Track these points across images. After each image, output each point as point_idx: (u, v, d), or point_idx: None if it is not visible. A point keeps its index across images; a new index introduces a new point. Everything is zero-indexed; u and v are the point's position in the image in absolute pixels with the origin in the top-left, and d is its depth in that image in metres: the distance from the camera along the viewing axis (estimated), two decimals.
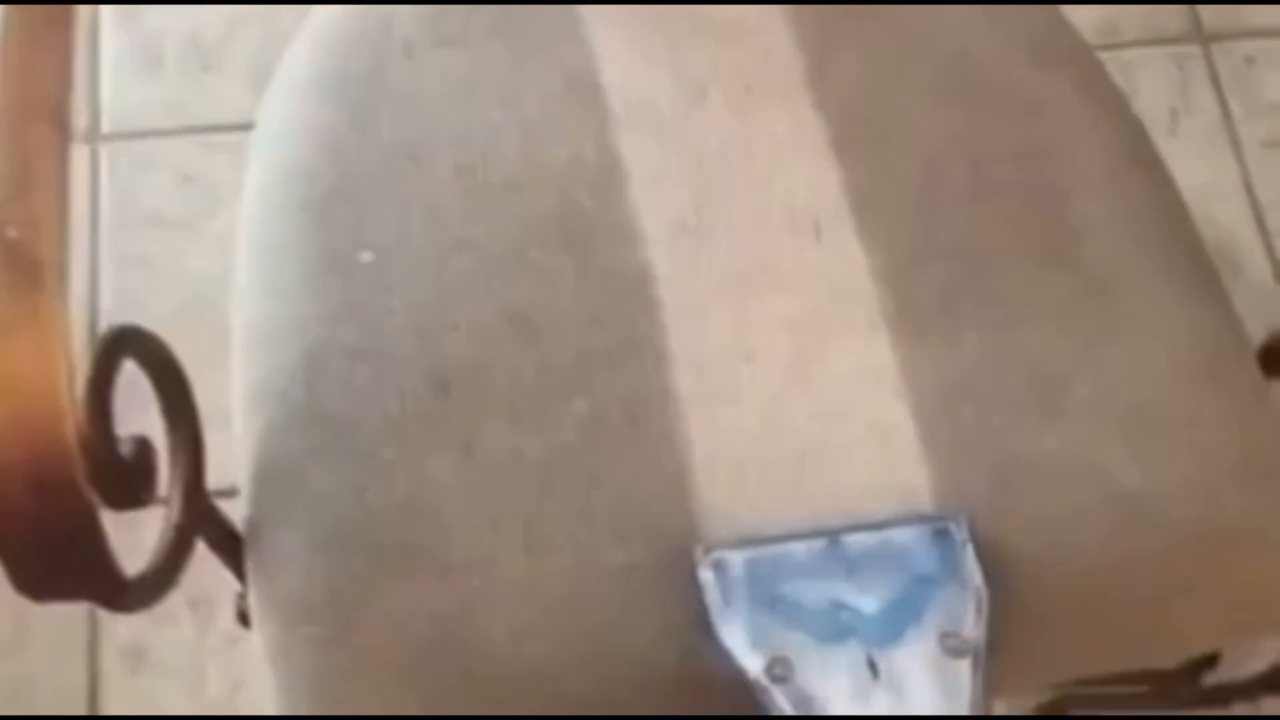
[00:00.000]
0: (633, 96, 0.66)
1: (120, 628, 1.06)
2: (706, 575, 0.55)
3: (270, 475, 0.60)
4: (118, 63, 1.22)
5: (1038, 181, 0.65)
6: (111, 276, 1.13)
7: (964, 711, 0.53)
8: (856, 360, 0.61)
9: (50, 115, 0.48)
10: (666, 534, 0.57)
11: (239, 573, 0.61)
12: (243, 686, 1.02)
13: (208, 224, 1.14)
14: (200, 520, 0.57)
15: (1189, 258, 0.65)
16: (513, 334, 0.61)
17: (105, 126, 1.20)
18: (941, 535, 0.56)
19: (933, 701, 0.53)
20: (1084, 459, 0.59)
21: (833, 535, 0.56)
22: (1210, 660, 0.78)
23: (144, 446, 0.52)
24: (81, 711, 1.03)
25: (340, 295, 0.62)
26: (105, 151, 1.19)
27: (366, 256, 0.63)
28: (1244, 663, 0.78)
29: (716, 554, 0.56)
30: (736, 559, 0.55)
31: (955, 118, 0.65)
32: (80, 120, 1.20)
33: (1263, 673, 0.75)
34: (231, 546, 0.61)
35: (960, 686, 0.54)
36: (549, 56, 0.68)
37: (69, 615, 1.06)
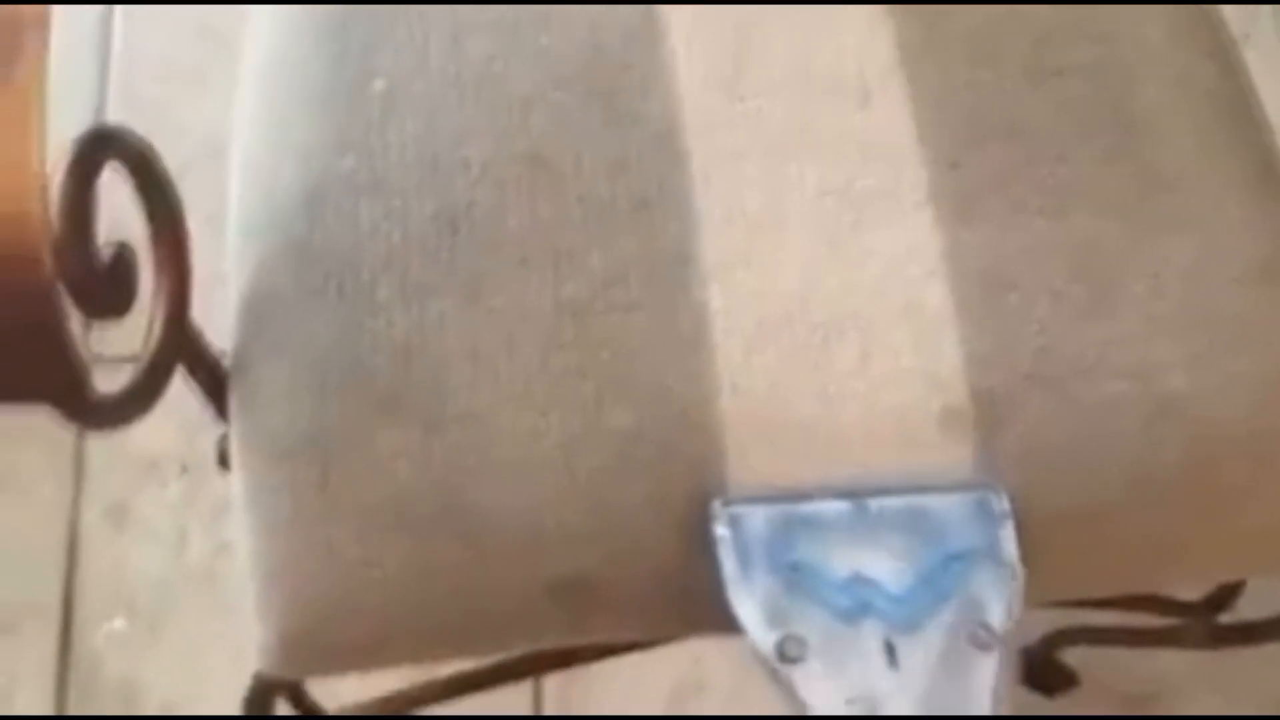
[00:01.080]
0: None
1: (105, 487, 1.04)
2: (723, 532, 0.51)
3: (261, 309, 0.56)
4: None
5: (1104, 65, 0.61)
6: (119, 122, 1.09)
7: (984, 711, 0.49)
8: (897, 236, 0.56)
9: None
10: (675, 399, 0.53)
11: (221, 410, 0.58)
12: (225, 551, 0.99)
13: (222, 77, 1.10)
14: (182, 345, 0.53)
15: (1257, 158, 0.61)
16: (530, 177, 0.56)
17: None
18: (981, 507, 0.52)
19: (951, 699, 0.49)
20: (1131, 356, 0.55)
21: (859, 497, 0.51)
22: (1229, 594, 0.74)
23: (123, 253, 0.49)
24: (60, 565, 1.00)
25: (348, 125, 0.58)
26: None
27: (379, 84, 0.59)
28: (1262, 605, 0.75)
29: (734, 509, 0.51)
30: (756, 515, 0.51)
31: None
32: None
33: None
34: (215, 383, 0.57)
35: (982, 683, 0.49)
36: None
37: (53, 469, 1.03)
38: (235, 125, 0.61)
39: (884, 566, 0.50)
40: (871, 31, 0.60)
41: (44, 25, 0.41)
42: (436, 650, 0.56)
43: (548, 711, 0.98)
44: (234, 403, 0.56)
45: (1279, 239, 0.58)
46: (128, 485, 1.03)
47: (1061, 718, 0.96)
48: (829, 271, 0.56)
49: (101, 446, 1.04)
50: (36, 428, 1.05)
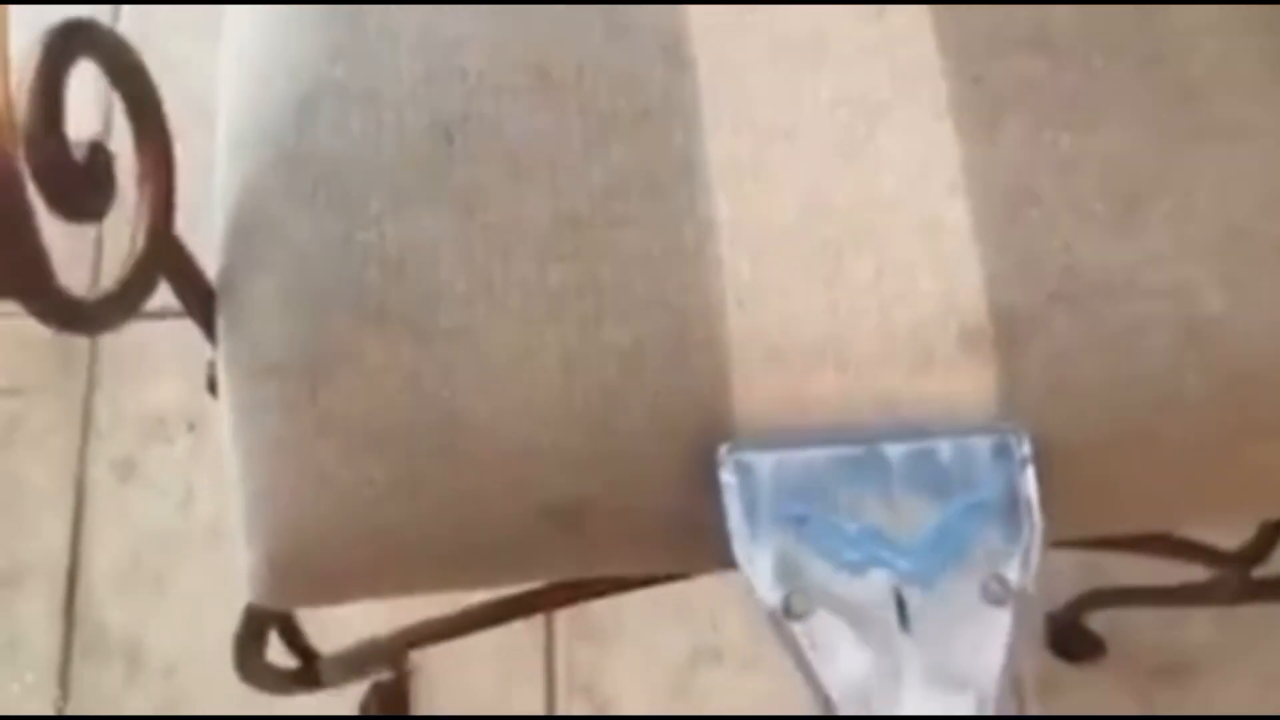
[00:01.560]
0: None
1: (113, 442, 1.02)
2: (729, 480, 0.48)
3: (249, 222, 0.54)
4: None
5: None
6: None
7: (996, 669, 0.46)
8: (914, 150, 0.54)
9: None
10: (678, 315, 0.51)
11: (209, 331, 0.56)
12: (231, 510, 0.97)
13: None
14: (165, 254, 0.51)
15: None
16: (529, 87, 0.54)
17: None
18: (1000, 451, 0.49)
19: (963, 658, 0.46)
20: (1162, 276, 0.52)
21: (873, 442, 0.48)
22: (1267, 546, 0.71)
23: (99, 152, 0.47)
24: (67, 515, 0.99)
25: (343, 34, 0.56)
26: None
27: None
28: None
29: (741, 455, 0.48)
30: (764, 463, 0.48)
31: None
32: None
33: None
34: (204, 303, 0.55)
35: (996, 639, 0.47)
36: None
37: (61, 423, 1.02)
38: (225, 38, 0.59)
39: (896, 519, 0.48)
40: None
41: None
42: (431, 578, 0.54)
43: (560, 682, 0.96)
44: (221, 320, 0.54)
45: None
46: (135, 441, 1.01)
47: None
48: (842, 184, 0.53)
49: (109, 402, 1.03)
50: (46, 381, 1.04)
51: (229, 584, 0.99)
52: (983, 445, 0.49)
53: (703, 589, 1.00)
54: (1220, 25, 0.57)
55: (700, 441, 0.50)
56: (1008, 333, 0.51)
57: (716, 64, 0.55)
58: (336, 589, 0.54)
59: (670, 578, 0.61)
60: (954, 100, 0.54)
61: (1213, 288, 0.53)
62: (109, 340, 1.04)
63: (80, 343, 1.04)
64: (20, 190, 0.41)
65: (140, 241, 0.50)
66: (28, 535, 0.98)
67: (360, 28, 0.56)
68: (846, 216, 0.52)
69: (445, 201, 0.52)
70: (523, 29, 0.55)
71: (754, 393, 0.50)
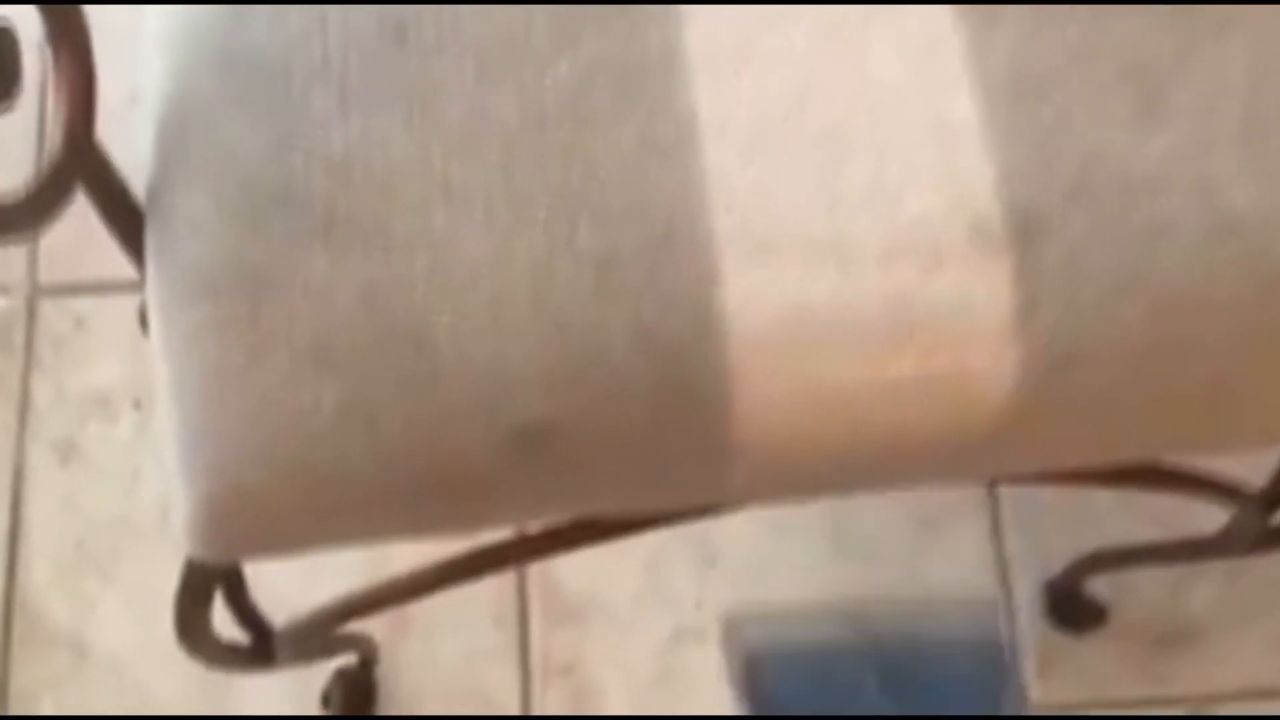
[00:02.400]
0: None
1: (53, 422, 0.96)
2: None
3: (179, 127, 0.49)
4: None
5: None
6: None
7: None
8: (913, 37, 0.49)
9: None
10: (659, 219, 0.46)
11: (137, 255, 0.50)
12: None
13: None
14: (84, 161, 0.46)
15: None
16: None
17: None
18: (988, 652, 0.47)
19: None
20: (1184, 168, 0.48)
21: (862, 622, 0.47)
22: None
23: (3, 36, 0.41)
24: (5, 504, 0.93)
25: None
26: None
27: None
28: None
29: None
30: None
31: None
32: None
33: None
34: (128, 221, 0.50)
35: None
36: None
37: None
38: None
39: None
40: None
41: None
42: (390, 519, 0.48)
43: (536, 666, 0.91)
44: (150, 239, 0.49)
45: None
46: (77, 421, 0.95)
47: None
48: (835, 74, 0.48)
49: (49, 380, 0.97)
50: None
51: (178, 569, 0.93)
52: (973, 651, 0.47)
53: (684, 566, 0.96)
54: None
55: (685, 355, 0.45)
56: (1022, 232, 0.47)
57: None
58: (285, 536, 0.48)
59: (648, 525, 0.56)
60: None
61: (1239, 182, 0.48)
62: (48, 315, 0.98)
63: (17, 318, 0.98)
64: None
65: (57, 142, 0.44)
66: None
67: None
68: (841, 108, 0.48)
69: (398, 101, 0.47)
70: None
71: (747, 298, 0.45)
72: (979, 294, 0.46)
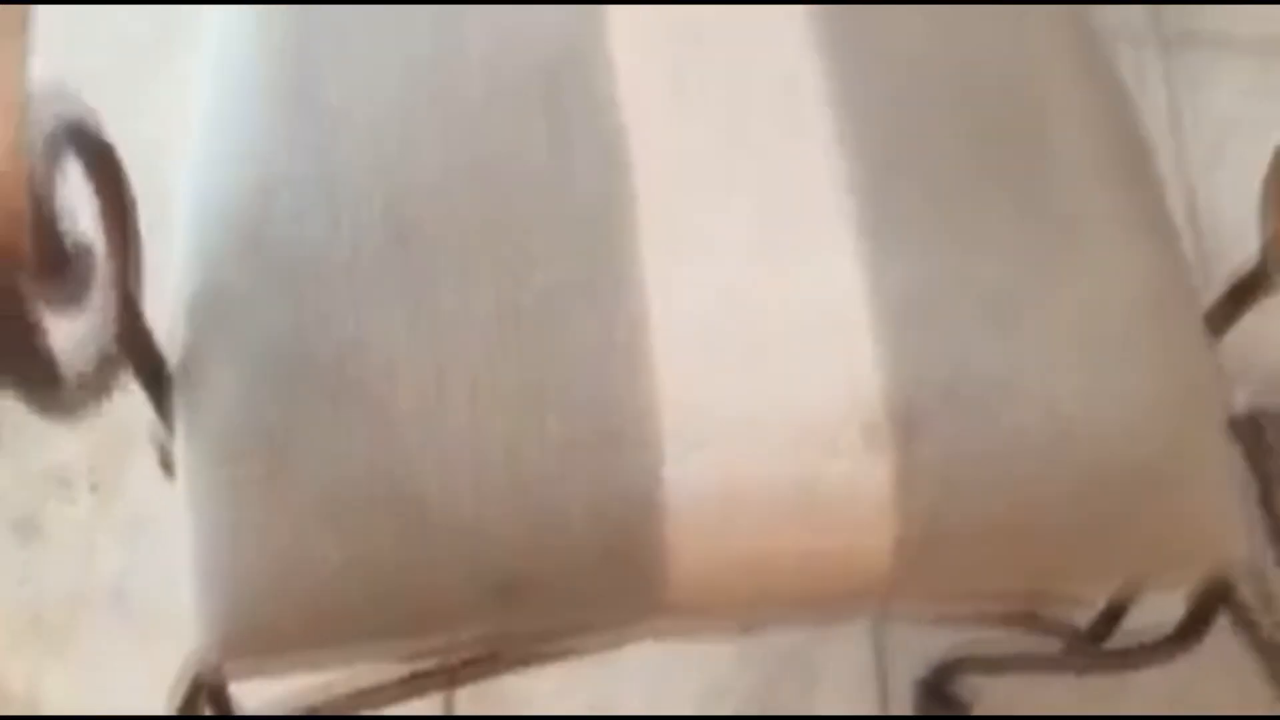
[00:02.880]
0: None
1: (12, 501, 1.02)
2: None
3: (208, 302, 0.58)
4: None
5: (1020, 98, 0.65)
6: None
7: None
8: (820, 261, 0.60)
9: None
10: (612, 407, 0.56)
11: (164, 412, 0.59)
12: (135, 570, 0.99)
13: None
14: (130, 339, 0.54)
15: (1151, 201, 0.66)
16: (477, 189, 0.59)
17: None
18: None
19: None
20: (1034, 382, 0.59)
21: None
22: (1112, 623, 0.78)
23: (86, 247, 0.50)
24: None
25: (303, 129, 0.60)
26: None
27: (333, 97, 0.61)
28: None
29: None
30: None
31: (948, 23, 0.65)
32: None
33: (1168, 633, 0.76)
34: (159, 382, 0.59)
35: None
36: None
37: None
38: (191, 122, 0.62)
39: None
40: (803, 56, 0.63)
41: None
42: (377, 649, 0.57)
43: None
44: (179, 402, 0.57)
45: (1164, 284, 0.63)
46: (36, 500, 1.02)
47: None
48: (758, 291, 0.59)
49: (8, 460, 1.03)
50: None
51: (131, 645, 1.00)
52: None
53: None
54: (1089, 157, 0.65)
55: (630, 531, 0.55)
56: (903, 431, 0.58)
57: (652, 168, 0.60)
58: (286, 663, 0.57)
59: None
60: (860, 215, 0.61)
61: (1075, 397, 0.60)
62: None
63: None
64: (33, 291, 0.44)
65: (107, 320, 0.53)
66: None
67: (318, 122, 0.60)
68: (763, 321, 0.58)
69: (399, 294, 0.57)
70: (470, 131, 0.60)
71: (682, 484, 0.55)
72: (867, 481, 0.56)
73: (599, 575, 0.55)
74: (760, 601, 0.57)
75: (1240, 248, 0.66)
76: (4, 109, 0.44)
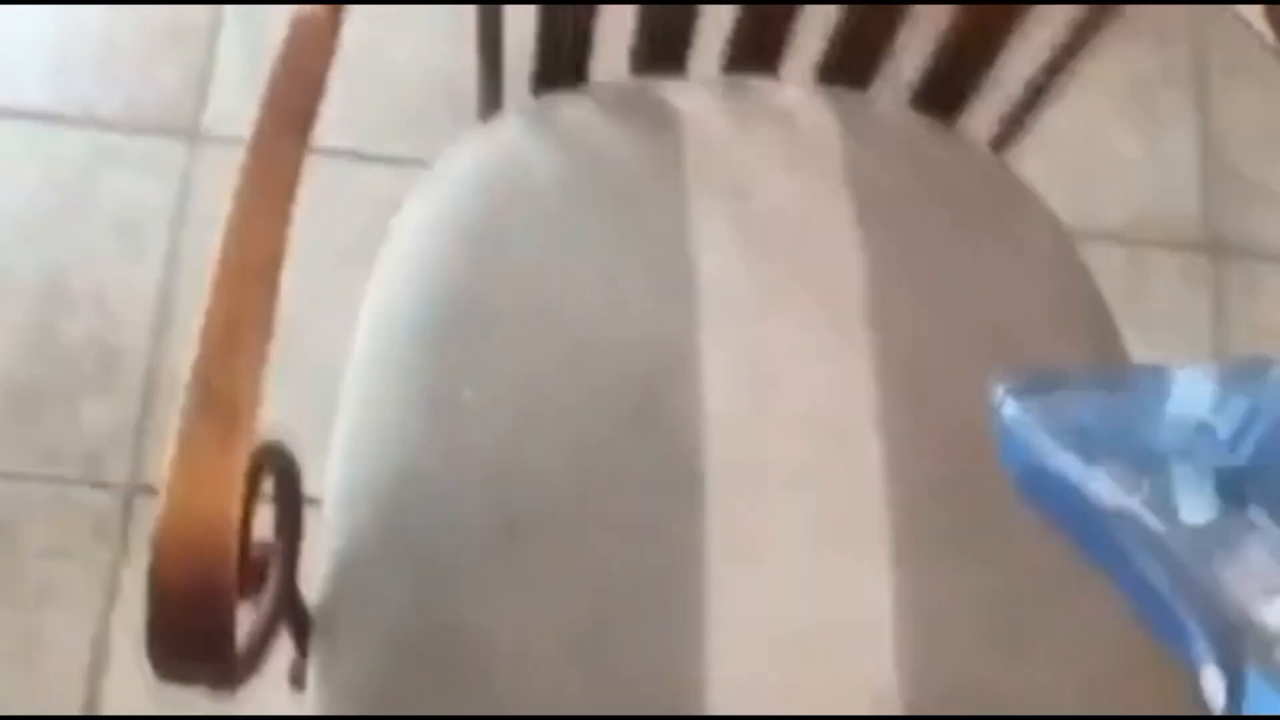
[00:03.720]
0: (723, 287, 0.76)
1: (137, 607, 1.12)
2: None
3: (348, 571, 0.70)
4: None
5: None
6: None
7: None
8: (862, 572, 0.71)
9: (261, 274, 0.57)
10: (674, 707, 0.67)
11: (298, 639, 0.71)
12: None
13: None
14: (290, 608, 0.66)
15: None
16: (573, 486, 0.70)
17: None
18: None
19: None
20: (1039, 699, 0.69)
21: None
22: None
23: (267, 550, 0.62)
24: (82, 674, 1.10)
25: (437, 425, 0.72)
26: None
27: (467, 394, 0.73)
28: None
29: None
30: None
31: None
32: None
33: None
34: (300, 625, 0.70)
35: None
36: (650, 234, 0.78)
37: (92, 584, 1.12)
38: (341, 409, 0.74)
39: None
40: (862, 390, 0.75)
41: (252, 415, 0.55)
42: None
43: None
44: (317, 649, 0.69)
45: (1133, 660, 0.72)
46: None
47: None
48: (803, 600, 0.70)
49: (137, 571, 1.12)
50: (80, 547, 1.14)
51: None
52: None
53: None
54: None
55: None
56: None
57: (720, 493, 0.71)
58: None
59: None
60: (894, 535, 0.71)
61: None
62: (139, 512, 1.17)
63: (112, 512, 1.16)
64: (233, 609, 0.55)
65: (274, 602, 0.65)
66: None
67: (450, 420, 0.72)
68: (807, 629, 0.69)
69: (507, 584, 0.68)
70: (572, 442, 0.72)
71: None
72: None
73: None
74: None
75: None
76: (231, 457, 0.55)
